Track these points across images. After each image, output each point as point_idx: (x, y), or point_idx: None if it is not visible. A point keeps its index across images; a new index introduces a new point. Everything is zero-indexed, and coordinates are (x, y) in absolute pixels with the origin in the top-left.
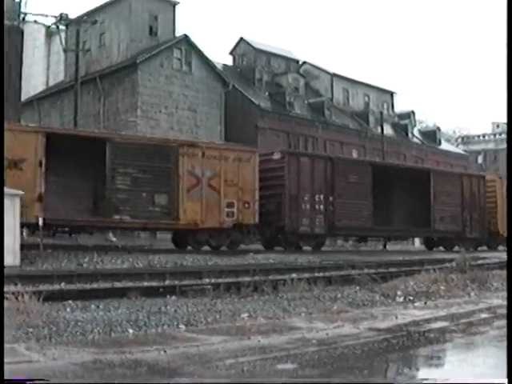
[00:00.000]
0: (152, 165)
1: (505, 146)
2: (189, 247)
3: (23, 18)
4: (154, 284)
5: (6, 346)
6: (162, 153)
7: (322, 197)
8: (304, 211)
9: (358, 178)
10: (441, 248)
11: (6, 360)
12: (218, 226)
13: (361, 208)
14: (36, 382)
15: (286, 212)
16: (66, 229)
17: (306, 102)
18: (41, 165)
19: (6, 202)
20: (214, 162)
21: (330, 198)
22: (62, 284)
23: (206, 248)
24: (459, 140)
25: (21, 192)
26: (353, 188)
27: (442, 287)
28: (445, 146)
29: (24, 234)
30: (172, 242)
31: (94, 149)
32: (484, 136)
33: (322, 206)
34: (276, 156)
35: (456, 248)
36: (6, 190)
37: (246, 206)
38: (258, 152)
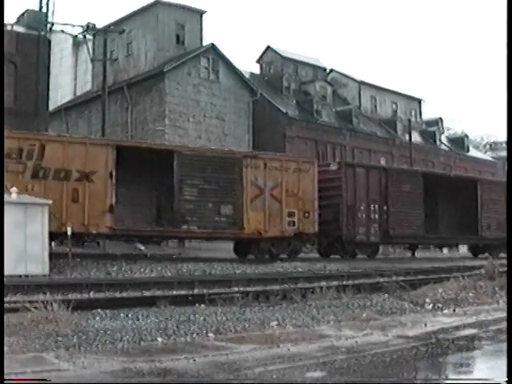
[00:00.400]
0: (217, 176)
1: None
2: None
3: (50, 28)
4: (183, 292)
5: (35, 354)
6: (227, 164)
7: (376, 206)
8: (360, 220)
9: (410, 188)
10: (486, 254)
11: (34, 369)
12: (280, 235)
13: (413, 216)
14: (36, 381)
15: (344, 221)
16: (135, 239)
17: (334, 109)
18: (111, 176)
19: (35, 210)
20: (276, 173)
21: (384, 207)
22: (91, 293)
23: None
24: (487, 146)
25: (49, 201)
26: (405, 197)
27: (470, 294)
28: (473, 152)
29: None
30: (234, 251)
31: (160, 161)
32: None
33: (376, 215)
34: (333, 167)
35: (502, 255)
36: (35, 199)
37: (306, 215)
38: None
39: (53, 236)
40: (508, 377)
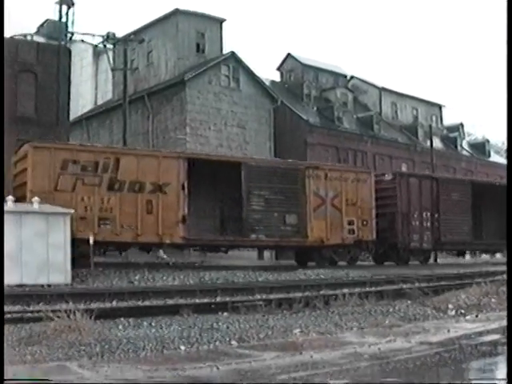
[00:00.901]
0: (282, 186)
1: None
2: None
3: (70, 38)
4: (206, 301)
5: (58, 363)
6: (291, 175)
7: (428, 214)
8: (414, 228)
9: (459, 196)
10: None
11: (57, 378)
12: (341, 243)
13: (462, 223)
14: (36, 381)
15: (399, 229)
16: (204, 248)
17: (355, 116)
18: (183, 188)
19: (57, 220)
20: (336, 183)
21: (436, 215)
22: (114, 302)
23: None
24: (506, 162)
25: (71, 210)
26: (455, 205)
27: (493, 300)
28: (494, 157)
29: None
30: (295, 259)
31: (226, 172)
32: None
33: (428, 223)
34: (387, 177)
35: None
36: (57, 208)
37: (365, 223)
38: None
39: (127, 247)
40: (508, 377)
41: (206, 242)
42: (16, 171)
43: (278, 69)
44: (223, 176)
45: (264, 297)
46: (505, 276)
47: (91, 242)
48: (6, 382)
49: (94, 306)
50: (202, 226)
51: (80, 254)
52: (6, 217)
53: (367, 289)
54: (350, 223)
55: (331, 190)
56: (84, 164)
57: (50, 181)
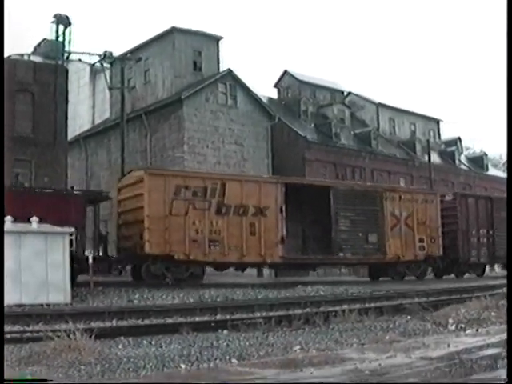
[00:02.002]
0: (364, 208)
1: None
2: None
3: (67, 57)
4: (206, 319)
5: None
6: (371, 197)
7: (484, 231)
8: (472, 244)
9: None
10: None
11: None
12: (414, 259)
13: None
14: (36, 381)
15: (460, 245)
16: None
17: (352, 132)
18: (281, 211)
19: (56, 239)
20: (408, 204)
21: (490, 232)
22: (114, 321)
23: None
24: (506, 165)
25: (71, 229)
26: (504, 221)
27: (493, 314)
28: (492, 171)
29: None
30: (368, 275)
31: (312, 195)
32: None
33: (485, 239)
34: (448, 197)
35: None
36: (55, 228)
37: (433, 240)
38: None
39: (232, 266)
40: (508, 377)
41: (301, 261)
42: (124, 196)
43: (275, 86)
44: (307, 198)
45: (264, 314)
46: (504, 290)
47: (90, 261)
48: (5, 382)
49: (93, 325)
50: (287, 246)
51: (191, 274)
52: (5, 237)
53: (367, 305)
54: (421, 240)
55: (404, 211)
56: (194, 190)
57: (165, 205)
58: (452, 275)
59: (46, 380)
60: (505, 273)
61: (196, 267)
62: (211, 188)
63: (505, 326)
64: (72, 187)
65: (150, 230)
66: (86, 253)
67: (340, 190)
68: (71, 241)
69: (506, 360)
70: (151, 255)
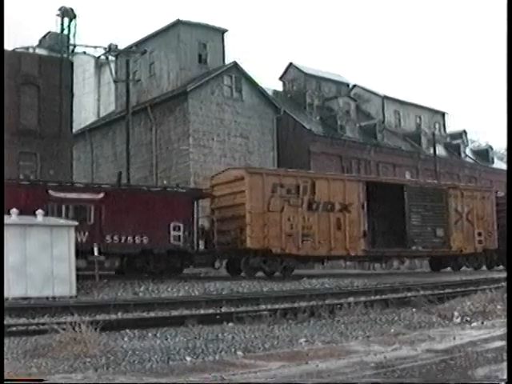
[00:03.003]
0: (432, 204)
1: None
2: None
3: (72, 50)
4: (211, 311)
5: (64, 375)
6: (438, 194)
7: None
8: None
9: None
10: None
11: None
12: (473, 252)
13: None
14: (36, 382)
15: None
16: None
17: (358, 125)
18: (363, 207)
19: (61, 232)
20: (468, 201)
21: None
22: (119, 313)
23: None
24: (506, 162)
25: (75, 223)
26: None
27: (498, 306)
28: (498, 164)
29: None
30: (430, 266)
31: (384, 192)
32: None
33: None
34: (500, 194)
35: None
36: (60, 221)
37: (489, 234)
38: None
39: (323, 260)
40: (508, 377)
41: (380, 253)
42: (220, 193)
43: (281, 78)
44: (377, 195)
45: (269, 307)
46: None
47: (95, 253)
48: (5, 382)
49: (99, 317)
50: (370, 239)
51: (284, 267)
52: (10, 229)
53: (372, 297)
54: (480, 234)
55: (466, 207)
56: (288, 187)
57: (263, 202)
58: (501, 266)
59: (44, 380)
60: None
61: (289, 260)
62: (303, 186)
63: None
64: (177, 185)
65: (251, 226)
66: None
67: (412, 187)
68: (178, 236)
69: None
70: (251, 249)
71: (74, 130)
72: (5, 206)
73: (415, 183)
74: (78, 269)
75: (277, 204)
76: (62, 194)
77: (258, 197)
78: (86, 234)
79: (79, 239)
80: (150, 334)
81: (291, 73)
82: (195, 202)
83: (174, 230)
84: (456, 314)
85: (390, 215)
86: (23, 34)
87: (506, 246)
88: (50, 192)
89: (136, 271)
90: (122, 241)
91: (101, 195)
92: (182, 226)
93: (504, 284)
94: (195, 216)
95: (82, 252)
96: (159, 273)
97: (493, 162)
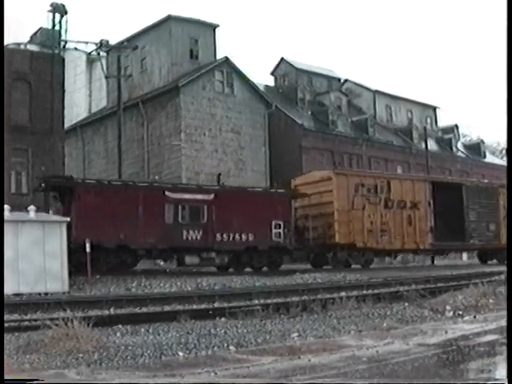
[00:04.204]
0: (486, 201)
1: None
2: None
3: (64, 46)
4: (203, 306)
5: (57, 371)
6: (490, 192)
7: None
8: None
9: None
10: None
11: (53, 381)
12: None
13: None
14: (36, 381)
15: None
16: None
17: (349, 119)
18: (429, 205)
19: (53, 228)
20: (505, 198)
21: None
22: (112, 309)
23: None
24: (504, 152)
25: (67, 219)
26: None
27: (490, 301)
28: (489, 158)
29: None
30: (478, 258)
31: (446, 190)
32: None
33: None
34: None
35: None
36: (53, 217)
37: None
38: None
39: (391, 254)
40: (508, 377)
41: (444, 247)
42: (303, 192)
43: (272, 73)
44: (440, 193)
45: (261, 302)
46: (502, 276)
47: (88, 249)
48: (5, 382)
49: (91, 313)
50: (436, 234)
51: (365, 260)
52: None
53: (364, 292)
54: None
55: (505, 203)
56: (368, 187)
57: (348, 201)
58: None
59: (43, 380)
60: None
61: (369, 254)
62: (380, 186)
63: (502, 313)
64: (277, 183)
65: (339, 222)
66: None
67: (469, 186)
68: (279, 233)
69: (503, 347)
70: (339, 244)
71: (65, 126)
72: (126, 206)
73: (471, 182)
74: (190, 265)
75: (359, 202)
76: (177, 195)
77: (343, 196)
78: (200, 232)
79: (194, 237)
80: (142, 330)
81: (283, 68)
82: (291, 202)
83: (275, 227)
84: (448, 308)
85: (449, 212)
86: (14, 30)
87: (507, 243)
88: (167, 193)
89: (241, 266)
90: (230, 238)
91: (211, 196)
92: (282, 223)
93: (496, 278)
94: (292, 214)
95: (196, 249)
96: (260, 268)
97: (484, 157)
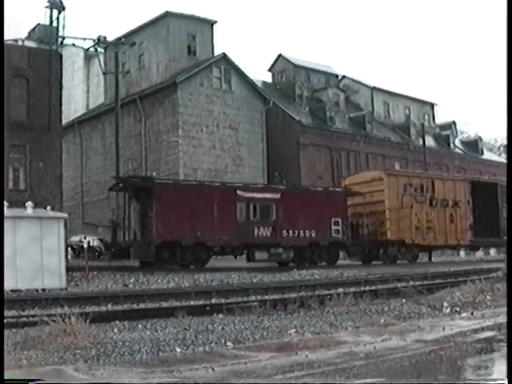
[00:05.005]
0: None
1: None
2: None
3: (61, 42)
4: (201, 303)
5: (54, 367)
6: None
7: None
8: None
9: None
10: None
11: (53, 382)
12: None
13: None
14: (35, 381)
15: None
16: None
17: (347, 116)
18: (469, 203)
19: (51, 224)
20: None
21: None
22: (109, 305)
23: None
24: (501, 149)
25: (65, 215)
26: None
27: (488, 297)
28: (487, 155)
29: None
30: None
31: (481, 189)
32: None
33: None
34: None
35: None
36: (51, 213)
37: None
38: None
39: (432, 248)
40: (508, 377)
41: (483, 243)
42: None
43: (270, 70)
44: (476, 192)
45: (259, 298)
46: (499, 273)
47: (85, 245)
48: (5, 382)
49: (89, 309)
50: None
51: (413, 255)
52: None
53: (362, 288)
54: None
55: None
56: (415, 187)
57: (397, 200)
58: None
59: (44, 380)
60: (500, 256)
61: (416, 250)
62: (426, 185)
63: (500, 310)
64: (339, 182)
65: (390, 220)
66: (82, 238)
67: (503, 186)
68: (337, 229)
69: (500, 343)
70: (390, 241)
71: (63, 123)
72: (202, 205)
73: (504, 181)
74: (260, 260)
75: (407, 201)
76: (249, 194)
77: (393, 195)
78: (270, 228)
79: (264, 234)
80: (139, 326)
81: (280, 64)
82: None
83: (334, 224)
84: (446, 304)
85: (485, 209)
86: (12, 27)
87: (507, 242)
88: (238, 192)
89: (303, 261)
90: (296, 235)
91: (278, 195)
92: (340, 220)
93: (494, 275)
94: (348, 212)
95: (265, 245)
96: (318, 262)
97: (482, 153)
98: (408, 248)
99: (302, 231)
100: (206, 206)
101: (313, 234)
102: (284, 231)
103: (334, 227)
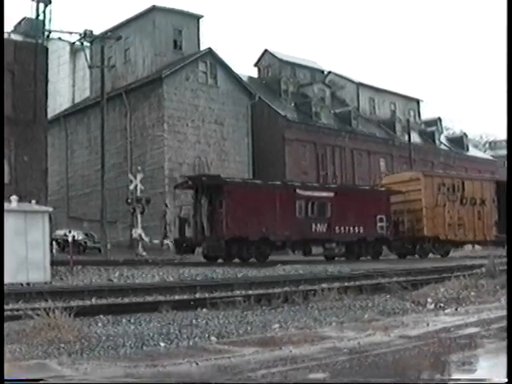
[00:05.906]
0: None
1: None
2: None
3: (48, 36)
4: (185, 297)
5: (38, 361)
6: None
7: None
8: None
9: None
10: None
11: (37, 376)
12: None
13: None
14: (35, 381)
15: None
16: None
17: (332, 111)
18: (494, 201)
19: (36, 218)
20: None
21: None
22: (93, 299)
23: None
24: (486, 145)
25: (50, 209)
26: None
27: (472, 293)
28: (472, 152)
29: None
30: None
31: (501, 189)
32: None
33: None
34: None
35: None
36: (36, 206)
37: None
38: None
39: (462, 244)
40: (508, 377)
41: (496, 239)
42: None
43: (256, 65)
44: (498, 191)
45: (243, 292)
46: (483, 269)
47: (70, 239)
48: (5, 382)
49: (73, 303)
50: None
51: (445, 251)
52: None
53: (346, 284)
54: None
55: None
56: (448, 186)
57: (433, 198)
58: None
59: (44, 380)
60: (484, 252)
61: (448, 245)
62: (457, 185)
63: (483, 306)
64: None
65: (426, 218)
66: (66, 232)
67: None
68: (382, 226)
69: (484, 339)
70: (426, 237)
71: (48, 116)
72: (267, 203)
73: None
74: (316, 254)
75: (441, 200)
76: (307, 193)
77: (429, 194)
78: (325, 225)
79: (320, 230)
80: (124, 320)
81: (266, 59)
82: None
83: (379, 221)
84: (430, 300)
85: (504, 207)
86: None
87: (506, 238)
88: (298, 191)
89: (352, 255)
90: (346, 231)
91: (332, 193)
92: (384, 217)
93: (478, 271)
94: (391, 209)
95: (321, 240)
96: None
97: (467, 150)
98: (441, 243)
99: (351, 227)
100: (269, 203)
101: (361, 230)
102: (337, 227)
103: (379, 224)
